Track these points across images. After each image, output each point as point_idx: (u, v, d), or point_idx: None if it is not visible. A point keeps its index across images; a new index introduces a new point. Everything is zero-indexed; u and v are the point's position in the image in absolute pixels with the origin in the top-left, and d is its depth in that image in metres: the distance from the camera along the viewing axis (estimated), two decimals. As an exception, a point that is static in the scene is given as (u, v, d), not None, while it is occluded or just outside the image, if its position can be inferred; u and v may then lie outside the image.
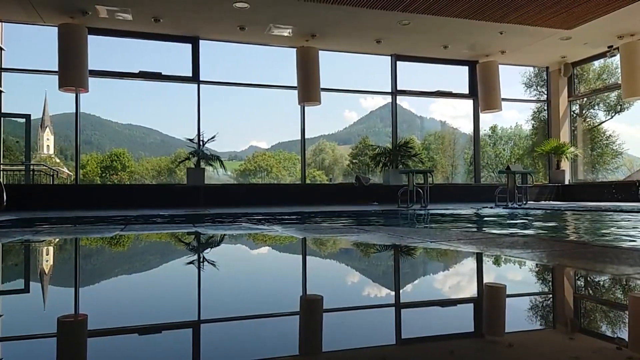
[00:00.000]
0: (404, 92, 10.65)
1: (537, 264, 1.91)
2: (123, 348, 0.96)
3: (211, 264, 2.23)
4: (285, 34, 8.86)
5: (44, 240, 3.10)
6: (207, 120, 9.98)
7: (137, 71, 9.20)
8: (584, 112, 13.21)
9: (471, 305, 1.39)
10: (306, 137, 10.08)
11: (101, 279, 1.94)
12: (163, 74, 9.26)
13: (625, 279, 1.54)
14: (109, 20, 8.11)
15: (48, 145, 29.87)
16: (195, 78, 9.24)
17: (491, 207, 7.44)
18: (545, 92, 11.93)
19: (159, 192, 8.98)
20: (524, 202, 8.05)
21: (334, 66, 10.42)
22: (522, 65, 11.92)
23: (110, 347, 0.96)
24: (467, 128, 12.05)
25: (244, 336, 1.01)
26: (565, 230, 4.28)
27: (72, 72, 8.04)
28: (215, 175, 9.56)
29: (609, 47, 9.61)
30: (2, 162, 9.25)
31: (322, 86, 9.43)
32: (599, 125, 14.53)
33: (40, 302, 1.46)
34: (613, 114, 14.68)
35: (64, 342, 1.04)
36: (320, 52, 9.44)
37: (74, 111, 8.73)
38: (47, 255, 2.64)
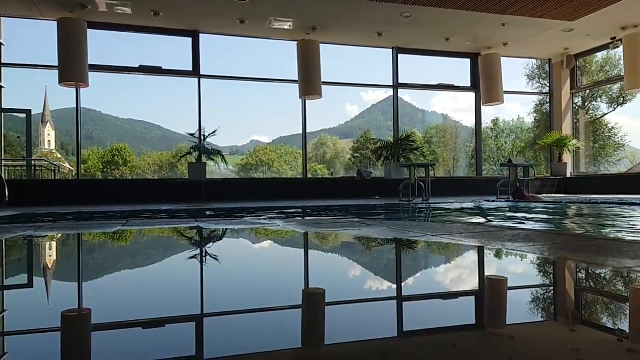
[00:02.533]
0: (405, 85, 10.60)
1: (538, 257, 1.91)
2: (127, 341, 0.96)
3: (213, 258, 2.24)
4: (286, 27, 8.81)
5: (46, 236, 3.11)
6: (208, 115, 9.98)
7: (137, 65, 9.17)
8: (586, 104, 13.14)
9: (473, 297, 1.40)
10: (307, 130, 10.06)
11: (104, 274, 1.94)
12: (163, 68, 9.24)
13: (627, 271, 1.54)
14: (108, 14, 8.07)
15: (49, 140, 29.92)
16: (195, 72, 9.21)
17: (492, 200, 7.44)
18: (548, 84, 11.87)
19: (160, 187, 9.00)
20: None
21: (334, 59, 10.39)
22: (524, 57, 11.85)
23: (114, 340, 0.97)
24: (469, 121, 12.03)
25: (247, 329, 1.02)
26: (567, 223, 4.28)
27: (72, 67, 8.03)
28: (216, 169, 9.57)
29: (611, 39, 9.53)
30: (3, 157, 9.27)
31: (323, 79, 9.40)
32: (601, 117, 14.47)
33: (43, 297, 1.47)
34: (615, 106, 14.61)
35: (68, 336, 1.05)
36: (321, 45, 9.40)
37: (75, 106, 8.73)
38: (49, 250, 2.65)
